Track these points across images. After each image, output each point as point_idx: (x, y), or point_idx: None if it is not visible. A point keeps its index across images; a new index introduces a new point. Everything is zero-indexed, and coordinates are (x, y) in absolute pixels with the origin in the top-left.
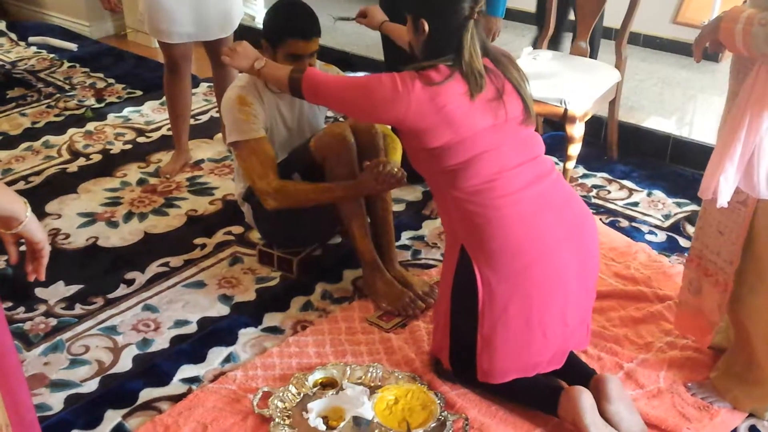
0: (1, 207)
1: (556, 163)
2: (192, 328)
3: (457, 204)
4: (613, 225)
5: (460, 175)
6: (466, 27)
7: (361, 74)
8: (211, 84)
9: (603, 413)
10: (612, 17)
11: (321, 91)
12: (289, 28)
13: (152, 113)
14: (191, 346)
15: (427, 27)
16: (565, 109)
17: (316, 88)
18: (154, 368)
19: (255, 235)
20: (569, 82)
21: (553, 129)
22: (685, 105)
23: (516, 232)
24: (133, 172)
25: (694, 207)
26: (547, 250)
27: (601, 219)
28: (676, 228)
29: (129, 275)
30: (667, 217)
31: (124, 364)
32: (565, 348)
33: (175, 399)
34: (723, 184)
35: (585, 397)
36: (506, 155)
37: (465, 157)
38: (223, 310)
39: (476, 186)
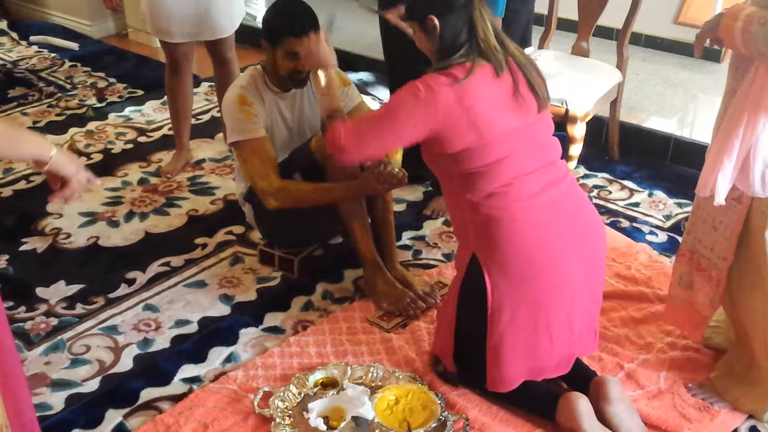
0: (26, 154)
1: None
2: (193, 328)
3: (472, 206)
4: (614, 225)
5: (477, 179)
6: (473, 4)
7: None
8: (213, 83)
9: (603, 415)
10: (614, 17)
11: (351, 137)
12: (286, 27)
13: (153, 113)
14: (192, 346)
15: (436, 22)
16: (567, 110)
17: (346, 136)
18: (154, 368)
19: (256, 235)
20: (571, 82)
21: (555, 129)
22: (686, 105)
23: (527, 239)
24: (134, 171)
25: None
26: (556, 258)
27: (602, 219)
28: (677, 228)
29: (130, 275)
30: (668, 217)
31: (125, 363)
32: (571, 354)
33: (176, 399)
34: (721, 182)
35: (582, 403)
36: (525, 160)
37: (485, 162)
38: (224, 309)
39: (492, 190)
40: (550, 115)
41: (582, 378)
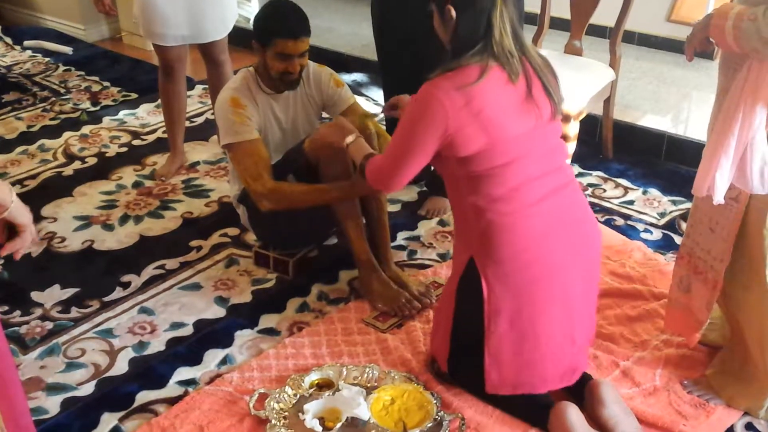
0: None
1: None
2: (188, 331)
3: (476, 210)
4: (608, 223)
5: (484, 182)
6: (495, 4)
7: None
8: (206, 86)
9: (599, 418)
10: (606, 16)
11: (385, 170)
12: (276, 27)
13: (147, 116)
14: (187, 349)
15: (454, 13)
16: None
17: (379, 171)
18: (150, 371)
19: (251, 237)
20: (564, 80)
21: None
22: (679, 103)
23: (527, 248)
24: (128, 174)
25: (689, 205)
26: (554, 268)
27: (596, 217)
28: (671, 226)
29: (125, 278)
30: (662, 215)
31: (120, 366)
32: (575, 366)
33: (172, 401)
34: (719, 180)
35: (571, 412)
36: (532, 164)
37: (493, 164)
38: (219, 312)
39: (498, 194)
40: (560, 119)
41: (577, 382)
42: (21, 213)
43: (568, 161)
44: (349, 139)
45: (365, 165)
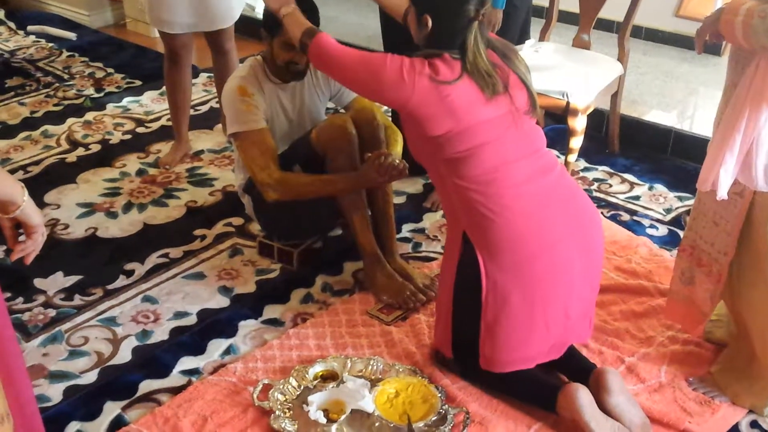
0: None
1: (557, 156)
2: (192, 320)
3: (460, 191)
4: (614, 218)
5: (461, 165)
6: (470, 28)
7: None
8: (212, 74)
9: (604, 406)
10: (615, 10)
11: (326, 60)
12: None
13: (152, 103)
14: (191, 338)
15: (430, 24)
16: (567, 102)
17: (323, 57)
18: (153, 360)
19: (255, 227)
20: (572, 74)
21: (555, 122)
22: (686, 98)
23: (519, 225)
24: (132, 162)
25: None
26: (550, 243)
27: (602, 212)
28: (677, 222)
29: (128, 266)
30: (668, 210)
31: (124, 355)
32: (565, 340)
33: (175, 391)
34: (723, 176)
35: (582, 394)
36: (508, 147)
37: (466, 147)
38: (223, 301)
39: (478, 176)
40: (537, 107)
41: (582, 370)
42: (33, 212)
43: (575, 156)
44: (285, 10)
45: (311, 39)
